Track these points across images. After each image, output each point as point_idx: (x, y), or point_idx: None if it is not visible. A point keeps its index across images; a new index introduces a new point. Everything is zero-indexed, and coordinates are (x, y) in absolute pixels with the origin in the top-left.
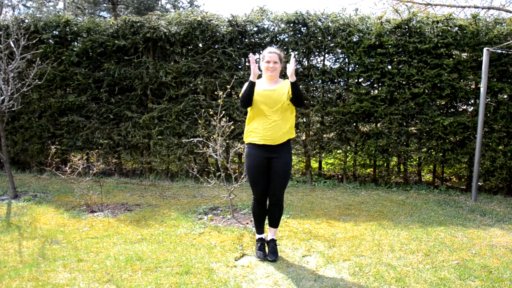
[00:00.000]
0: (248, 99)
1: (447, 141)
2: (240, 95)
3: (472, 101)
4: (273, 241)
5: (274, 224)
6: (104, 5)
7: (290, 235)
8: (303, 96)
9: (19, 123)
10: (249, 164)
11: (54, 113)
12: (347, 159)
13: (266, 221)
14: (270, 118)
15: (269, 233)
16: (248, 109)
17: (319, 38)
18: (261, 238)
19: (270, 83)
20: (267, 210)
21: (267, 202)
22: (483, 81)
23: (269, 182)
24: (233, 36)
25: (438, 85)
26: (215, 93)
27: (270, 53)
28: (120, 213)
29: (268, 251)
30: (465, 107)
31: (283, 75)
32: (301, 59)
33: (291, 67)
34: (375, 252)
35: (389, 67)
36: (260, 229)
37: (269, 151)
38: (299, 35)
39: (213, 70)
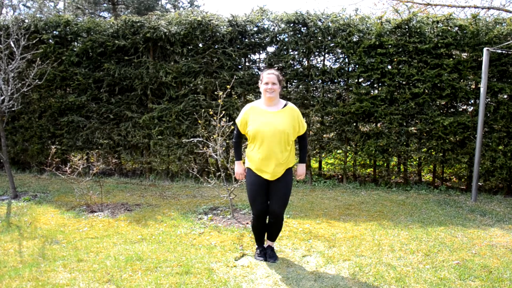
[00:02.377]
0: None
1: (447, 141)
2: (234, 137)
3: (472, 101)
4: (270, 247)
5: (273, 238)
6: (104, 5)
7: (290, 235)
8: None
9: (19, 123)
10: (249, 182)
11: (54, 113)
12: (347, 159)
13: None
14: (271, 147)
15: (267, 242)
16: (248, 135)
17: (319, 38)
18: (261, 246)
19: (269, 105)
20: (268, 225)
21: (267, 218)
22: (483, 81)
23: (268, 200)
24: (233, 36)
25: (438, 85)
26: (215, 93)
27: (269, 74)
28: (120, 213)
29: (267, 256)
30: (465, 107)
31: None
32: (301, 59)
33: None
34: (375, 252)
35: (389, 67)
36: (260, 242)
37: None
38: (299, 35)
39: (213, 70)
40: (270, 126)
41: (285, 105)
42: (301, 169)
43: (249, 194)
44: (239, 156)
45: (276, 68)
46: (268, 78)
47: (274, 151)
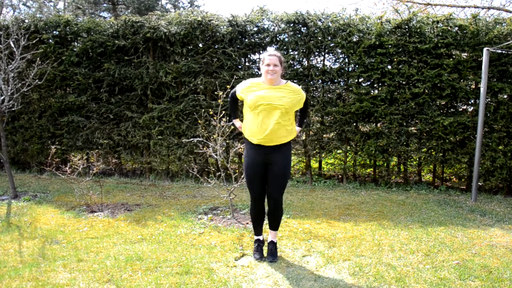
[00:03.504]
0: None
1: (447, 141)
2: (229, 97)
3: (472, 101)
4: (272, 243)
5: (274, 226)
6: (104, 5)
7: (290, 235)
8: (307, 117)
9: (19, 123)
10: (247, 163)
11: (54, 113)
12: (347, 159)
13: (266, 222)
14: (268, 120)
15: (269, 235)
16: (244, 103)
17: (319, 38)
18: (259, 239)
19: (270, 84)
20: (267, 213)
21: (266, 205)
22: (483, 81)
23: (266, 183)
24: (233, 36)
25: (438, 85)
26: (215, 93)
27: (270, 55)
28: (120, 213)
29: (267, 253)
30: (465, 107)
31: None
32: (301, 59)
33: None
34: (375, 252)
35: (389, 67)
36: (257, 231)
37: (267, 152)
38: (299, 35)
39: (213, 70)
40: (270, 99)
41: (286, 83)
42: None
43: (247, 177)
44: (235, 114)
45: (277, 49)
46: (270, 59)
47: (272, 124)
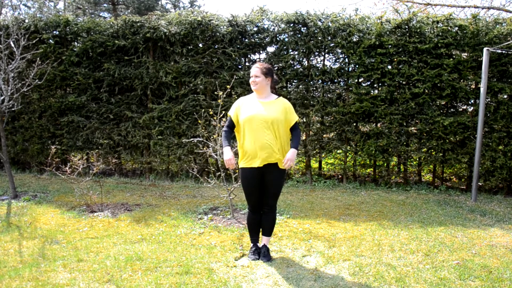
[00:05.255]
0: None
1: (447, 141)
2: (225, 127)
3: (472, 101)
4: (265, 246)
5: (267, 233)
6: (105, 5)
7: (290, 235)
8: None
9: (19, 123)
10: (243, 176)
11: (54, 113)
12: (347, 159)
13: None
14: (262, 135)
15: (262, 240)
16: (240, 126)
17: (319, 38)
18: (255, 245)
19: (260, 97)
20: (261, 219)
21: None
22: (483, 81)
23: (262, 193)
24: (233, 36)
25: (438, 85)
26: (215, 93)
27: (253, 68)
28: (120, 213)
29: (261, 255)
30: (465, 107)
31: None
32: (301, 59)
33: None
34: (375, 252)
35: (389, 67)
36: (254, 238)
37: (263, 167)
38: (299, 35)
39: (213, 70)
40: (262, 113)
41: (276, 98)
42: (290, 154)
43: (244, 188)
44: (227, 142)
45: (263, 61)
46: (251, 71)
47: (266, 138)
